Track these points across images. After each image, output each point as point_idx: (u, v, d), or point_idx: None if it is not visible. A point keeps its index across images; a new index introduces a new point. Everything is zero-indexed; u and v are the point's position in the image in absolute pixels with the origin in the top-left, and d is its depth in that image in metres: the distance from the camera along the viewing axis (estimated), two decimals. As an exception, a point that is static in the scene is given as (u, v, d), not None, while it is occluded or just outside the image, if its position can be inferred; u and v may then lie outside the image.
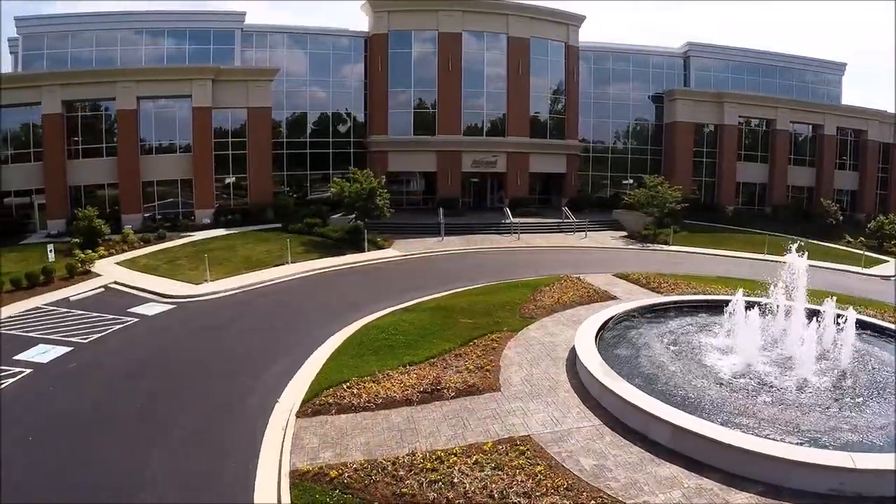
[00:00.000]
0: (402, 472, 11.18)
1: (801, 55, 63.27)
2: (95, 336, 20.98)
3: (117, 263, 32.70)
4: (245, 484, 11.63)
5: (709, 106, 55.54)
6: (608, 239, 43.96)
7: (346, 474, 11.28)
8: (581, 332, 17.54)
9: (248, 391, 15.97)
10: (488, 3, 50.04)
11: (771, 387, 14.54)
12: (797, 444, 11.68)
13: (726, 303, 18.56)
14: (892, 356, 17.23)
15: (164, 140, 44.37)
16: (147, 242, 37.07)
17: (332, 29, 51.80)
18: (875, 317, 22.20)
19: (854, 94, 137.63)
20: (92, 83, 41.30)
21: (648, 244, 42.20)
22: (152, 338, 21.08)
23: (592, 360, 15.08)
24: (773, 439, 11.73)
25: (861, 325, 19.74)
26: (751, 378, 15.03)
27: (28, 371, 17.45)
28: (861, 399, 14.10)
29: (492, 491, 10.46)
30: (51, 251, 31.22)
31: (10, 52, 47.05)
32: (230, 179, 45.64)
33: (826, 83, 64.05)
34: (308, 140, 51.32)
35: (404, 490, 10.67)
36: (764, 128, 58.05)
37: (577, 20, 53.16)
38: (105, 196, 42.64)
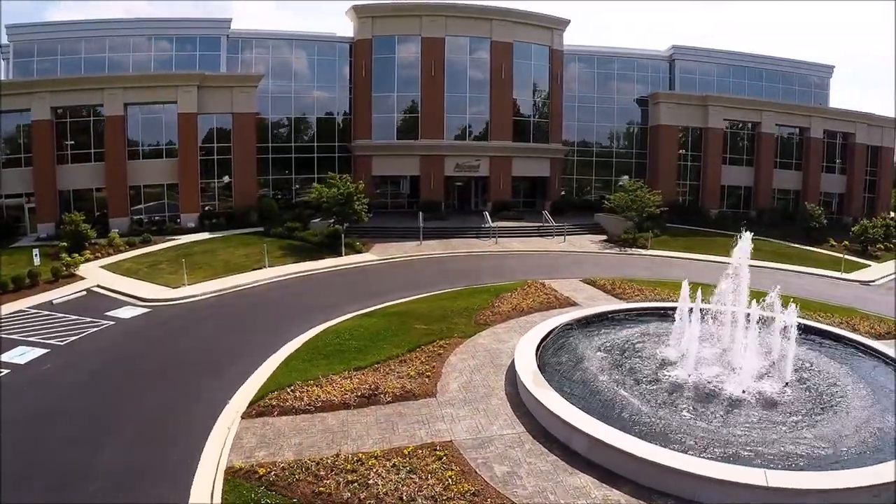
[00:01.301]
0: (323, 473, 11.97)
1: (788, 57, 63.71)
2: (72, 339, 21.98)
3: (101, 267, 33.58)
4: (185, 478, 12.48)
5: (693, 109, 55.79)
6: (587, 243, 44.44)
7: (274, 472, 12.11)
8: (524, 340, 18.19)
9: (204, 392, 16.82)
10: (471, 8, 50.55)
11: (701, 399, 14.92)
12: (711, 459, 11.81)
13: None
14: (841, 367, 17.43)
15: (151, 145, 45.31)
16: (132, 246, 37.91)
17: (317, 34, 52.50)
18: (840, 325, 22.57)
19: (846, 96, 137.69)
20: (80, 90, 42.15)
21: (627, 248, 42.55)
22: (124, 341, 22.03)
23: (526, 369, 15.67)
24: (688, 454, 11.94)
25: (818, 333, 20.34)
26: (686, 390, 15.42)
27: (6, 371, 18.49)
28: (796, 414, 14.34)
29: (402, 493, 11.19)
30: (36, 255, 32.18)
31: (3, 59, 47.95)
32: (216, 183, 46.57)
33: (814, 85, 64.13)
34: (293, 144, 52.07)
35: (322, 489, 11.47)
36: (749, 131, 58.31)
37: (562, 24, 53.65)
38: (93, 200, 43.64)
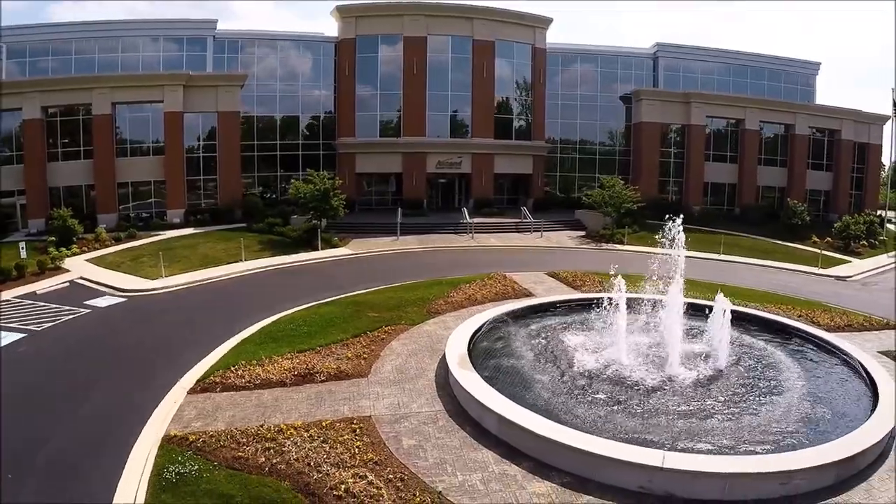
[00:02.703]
0: (244, 440, 13.09)
1: (773, 54, 63.63)
2: (48, 325, 23.33)
3: (87, 260, 34.78)
4: (127, 444, 13.68)
5: (675, 106, 56.21)
6: (565, 238, 45.25)
7: (202, 439, 13.28)
8: (464, 325, 19.23)
9: (160, 371, 18.02)
10: (453, 7, 51.43)
11: (620, 385, 15.45)
12: (612, 440, 12.15)
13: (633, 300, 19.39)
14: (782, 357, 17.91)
15: (139, 143, 46.55)
16: (118, 241, 39.07)
17: (302, 35, 53.62)
18: (800, 317, 23.13)
19: (836, 93, 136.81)
20: (69, 90, 43.38)
21: (603, 244, 43.35)
22: (96, 326, 23.45)
23: (454, 352, 16.64)
24: (589, 434, 12.34)
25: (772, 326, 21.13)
26: (608, 377, 15.97)
27: (-17, 353, 19.81)
28: (706, 401, 14.66)
29: (311, 460, 12.22)
30: (22, 249, 33.63)
31: (-3, 59, 49.50)
32: (202, 180, 47.77)
33: (799, 82, 64.24)
34: (278, 142, 53.10)
35: (240, 454, 12.59)
36: (733, 127, 58.63)
37: (545, 23, 54.33)
38: (83, 196, 44.89)
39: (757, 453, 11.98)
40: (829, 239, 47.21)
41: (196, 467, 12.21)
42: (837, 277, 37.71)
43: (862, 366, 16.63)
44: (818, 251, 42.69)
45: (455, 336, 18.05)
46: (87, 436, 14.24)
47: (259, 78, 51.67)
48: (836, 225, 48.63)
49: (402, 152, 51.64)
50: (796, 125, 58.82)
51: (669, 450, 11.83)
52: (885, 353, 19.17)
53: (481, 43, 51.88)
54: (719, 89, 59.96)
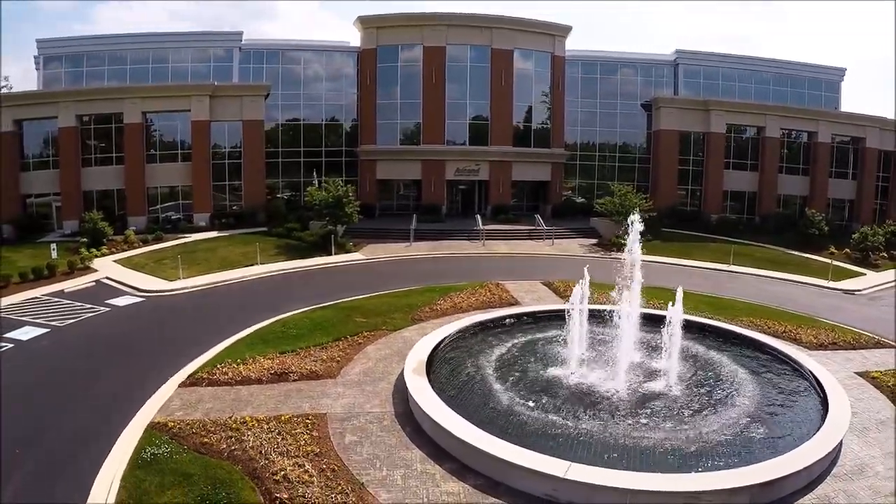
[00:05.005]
0: (213, 429, 14.86)
1: (796, 60, 62.92)
2: (70, 321, 25.69)
3: (114, 261, 37.28)
4: (121, 427, 15.54)
5: (695, 114, 56.18)
6: (575, 246, 45.57)
7: (178, 427, 15.11)
8: (436, 332, 20.56)
9: (160, 366, 19.82)
10: (471, 17, 52.76)
11: (569, 397, 16.24)
12: (526, 448, 12.74)
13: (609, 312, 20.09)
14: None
15: (168, 149, 49.22)
16: (145, 243, 41.57)
17: (325, 44, 55.71)
18: (783, 333, 23.18)
19: (865, 99, 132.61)
20: (102, 100, 46.43)
21: (613, 252, 43.13)
22: (113, 324, 25.69)
23: (413, 358, 17.92)
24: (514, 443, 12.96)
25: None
26: (561, 388, 16.79)
27: (10, 346, 22.22)
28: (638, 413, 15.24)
29: (262, 448, 13.85)
30: (54, 249, 36.12)
31: (35, 68, 52.73)
32: (227, 185, 50.27)
33: (823, 88, 63.45)
34: (302, 148, 55.26)
35: (206, 441, 14.34)
36: (753, 135, 58.27)
37: (563, 31, 55.18)
38: (114, 199, 47.72)
39: (667, 472, 12.32)
40: (848, 250, 46.16)
41: (168, 450, 14.00)
42: (846, 291, 36.54)
43: (821, 387, 16.51)
44: (836, 262, 41.62)
45: (422, 343, 19.36)
46: (83, 423, 16.08)
47: (284, 86, 53.89)
48: (853, 235, 47.15)
49: (420, 159, 53.18)
50: (819, 133, 57.95)
51: (574, 461, 12.33)
52: (863, 375, 19.20)
53: (500, 51, 53.01)
54: (741, 96, 59.60)
